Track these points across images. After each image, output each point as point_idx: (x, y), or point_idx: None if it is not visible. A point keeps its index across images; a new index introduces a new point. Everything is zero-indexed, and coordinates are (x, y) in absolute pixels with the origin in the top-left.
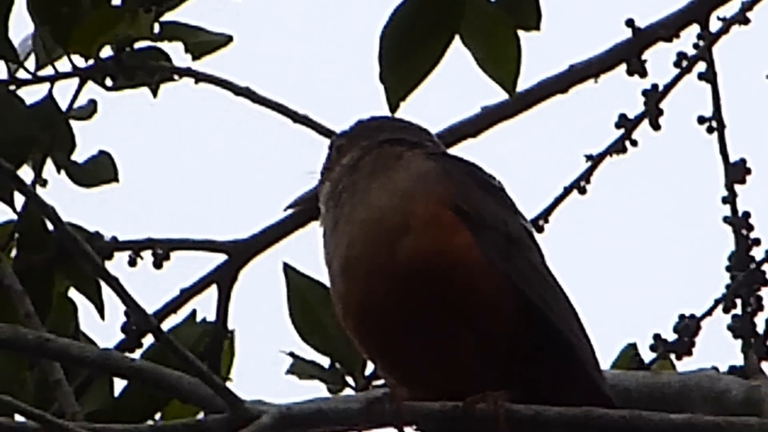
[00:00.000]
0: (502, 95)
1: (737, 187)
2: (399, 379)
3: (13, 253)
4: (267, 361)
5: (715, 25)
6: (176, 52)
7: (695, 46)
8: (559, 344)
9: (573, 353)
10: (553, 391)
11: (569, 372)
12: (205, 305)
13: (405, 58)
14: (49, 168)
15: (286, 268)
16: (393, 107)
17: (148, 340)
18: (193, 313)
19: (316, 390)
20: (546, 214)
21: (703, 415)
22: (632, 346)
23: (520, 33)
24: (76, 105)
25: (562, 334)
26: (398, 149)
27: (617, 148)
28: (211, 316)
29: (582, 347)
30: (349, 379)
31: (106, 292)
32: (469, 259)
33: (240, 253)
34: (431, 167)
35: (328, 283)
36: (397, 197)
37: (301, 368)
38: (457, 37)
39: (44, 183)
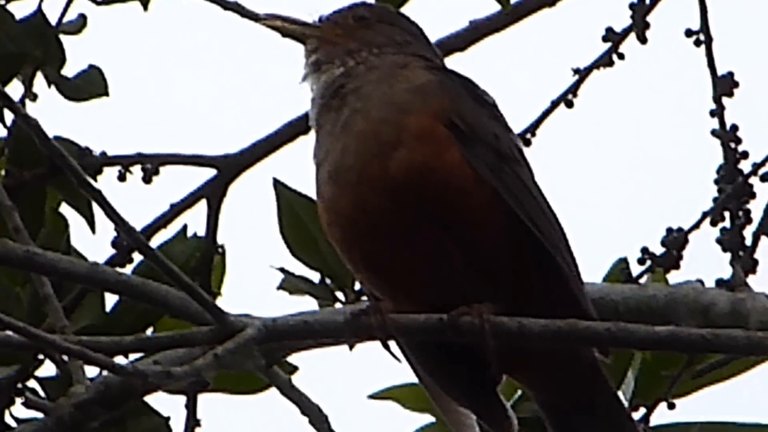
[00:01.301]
0: (491, 8)
1: (725, 100)
2: (382, 290)
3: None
4: (258, 276)
5: None
6: None
7: None
8: (544, 260)
9: (557, 270)
10: (536, 307)
11: (552, 288)
12: (195, 220)
13: None
14: (39, 82)
15: (276, 183)
16: None
17: (139, 255)
18: (184, 228)
19: (306, 305)
20: (533, 127)
21: (687, 327)
22: (623, 261)
23: None
24: (65, 19)
25: (547, 251)
26: (406, 58)
27: (604, 61)
28: (201, 231)
29: (566, 264)
30: (340, 295)
31: (98, 207)
32: (459, 174)
33: (229, 167)
34: (430, 80)
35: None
36: (393, 110)
37: (291, 283)
38: None
39: (35, 97)
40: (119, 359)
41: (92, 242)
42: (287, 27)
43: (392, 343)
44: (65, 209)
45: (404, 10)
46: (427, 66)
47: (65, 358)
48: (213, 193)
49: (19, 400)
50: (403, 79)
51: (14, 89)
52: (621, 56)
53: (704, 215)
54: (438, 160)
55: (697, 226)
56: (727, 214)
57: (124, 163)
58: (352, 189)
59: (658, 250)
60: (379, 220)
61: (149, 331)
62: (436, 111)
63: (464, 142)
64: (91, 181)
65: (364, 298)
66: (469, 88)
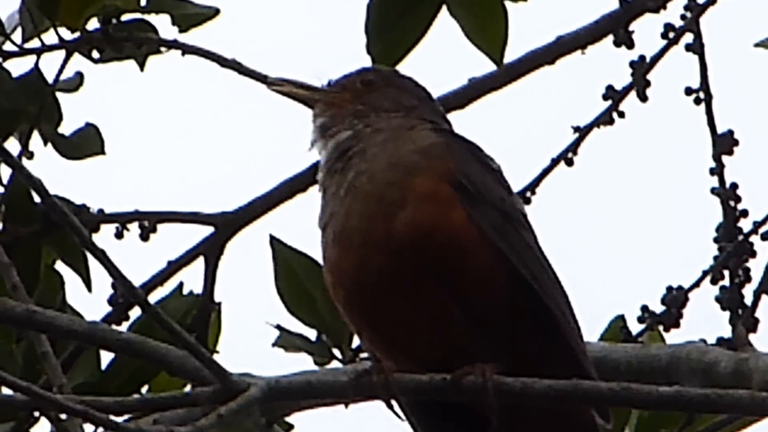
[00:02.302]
0: (489, 66)
1: (725, 159)
2: (385, 351)
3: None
4: (254, 333)
5: None
6: (163, 24)
7: (682, 17)
8: (547, 322)
9: (559, 331)
10: (537, 367)
11: (553, 348)
12: (192, 278)
13: (392, 29)
14: (35, 140)
15: (273, 240)
16: None
17: (135, 312)
18: (180, 285)
19: (302, 362)
20: (533, 185)
21: (692, 387)
22: (620, 318)
23: (508, 4)
24: (62, 77)
25: (550, 312)
26: (412, 121)
27: (604, 119)
28: (198, 289)
29: (568, 326)
30: (336, 352)
31: (93, 264)
32: (463, 235)
33: (227, 225)
34: (436, 142)
35: (316, 254)
36: (399, 171)
37: (287, 341)
38: (444, 8)
39: (31, 155)
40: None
41: (86, 300)
42: (295, 92)
43: (394, 402)
44: (60, 267)
45: (403, 67)
46: (433, 128)
47: (63, 416)
48: (210, 251)
49: None
50: (409, 140)
51: (11, 146)
52: (621, 114)
53: (704, 273)
54: (443, 220)
55: (697, 284)
56: (726, 272)
57: (122, 220)
58: (356, 250)
59: (658, 308)
60: (383, 280)
61: (144, 389)
62: (441, 171)
63: (469, 202)
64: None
65: (362, 355)
66: (475, 152)
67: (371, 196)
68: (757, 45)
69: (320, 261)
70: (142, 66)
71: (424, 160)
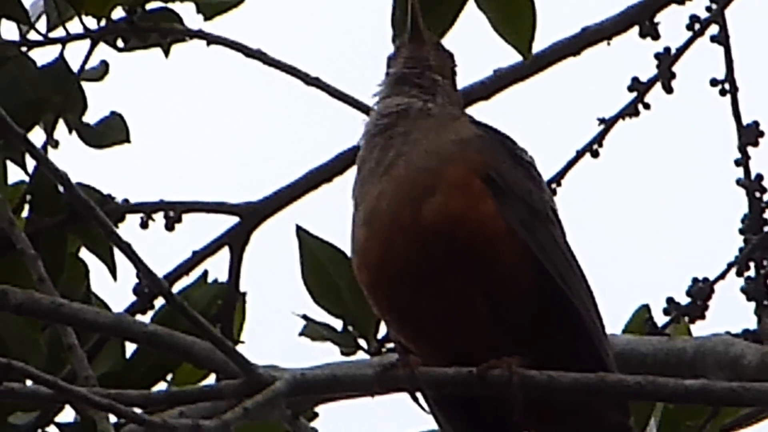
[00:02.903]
0: (514, 58)
1: (750, 150)
2: (407, 335)
3: (25, 213)
4: (279, 323)
5: None
6: (188, 12)
7: (708, 8)
8: (571, 318)
9: (583, 329)
10: (559, 362)
11: (576, 345)
12: (217, 268)
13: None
14: (61, 129)
15: (299, 230)
16: None
17: (160, 301)
18: (205, 273)
19: (328, 352)
20: (559, 177)
21: (718, 380)
22: (645, 308)
23: None
24: (87, 66)
25: (574, 309)
26: (458, 111)
27: (630, 111)
28: (223, 278)
29: (593, 324)
30: (362, 342)
31: (118, 253)
32: (491, 227)
33: (252, 215)
34: (474, 135)
35: (342, 243)
36: (435, 159)
37: (313, 330)
38: (471, 0)
39: (56, 144)
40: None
41: (111, 287)
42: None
43: (420, 395)
44: (84, 254)
45: None
46: (471, 120)
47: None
48: (235, 241)
49: None
50: (452, 131)
51: (36, 136)
52: (647, 106)
53: (729, 265)
54: (471, 210)
55: (722, 276)
56: (752, 264)
57: (147, 210)
58: (383, 233)
59: (684, 300)
60: (408, 265)
61: (168, 377)
62: (475, 164)
63: (499, 196)
64: (117, 230)
65: (388, 345)
66: (508, 145)
67: (405, 180)
68: None
69: (347, 251)
70: (167, 53)
71: (460, 152)
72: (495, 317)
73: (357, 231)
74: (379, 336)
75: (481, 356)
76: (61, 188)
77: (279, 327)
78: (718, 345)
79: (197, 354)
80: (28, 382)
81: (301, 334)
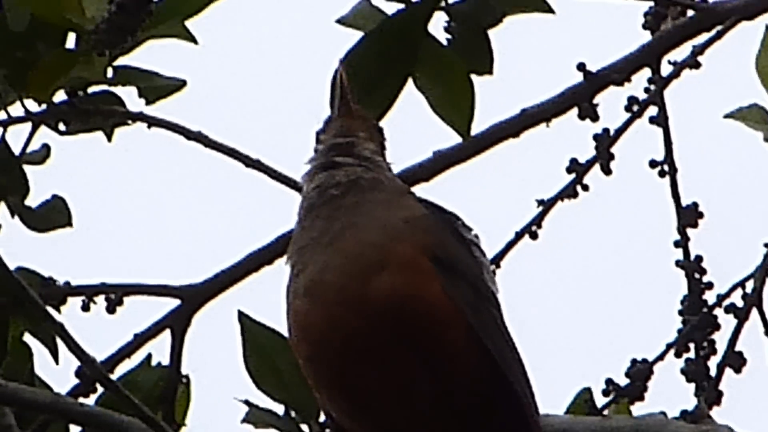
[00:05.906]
0: (453, 139)
1: (689, 231)
2: (346, 413)
3: None
4: (222, 407)
5: (666, 69)
6: (130, 96)
7: (646, 90)
8: (510, 401)
9: (521, 409)
10: None
11: (513, 427)
12: (158, 350)
13: (358, 102)
14: (2, 212)
15: (241, 315)
16: None
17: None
18: (149, 357)
19: None
20: (498, 259)
21: None
22: (587, 390)
23: (473, 77)
24: (29, 149)
25: (514, 392)
26: (403, 186)
27: (569, 192)
28: (166, 361)
29: (529, 405)
30: (305, 428)
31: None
32: (439, 306)
33: (193, 297)
34: (422, 213)
35: (283, 327)
36: (384, 235)
37: (256, 416)
38: (410, 80)
39: None
40: None
41: (56, 370)
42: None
43: None
44: (28, 338)
45: None
46: (417, 198)
47: None
48: (177, 323)
49: None
50: (401, 207)
51: None
52: (585, 187)
53: (669, 346)
54: (420, 290)
55: (661, 357)
56: (692, 345)
57: (88, 293)
58: (328, 307)
59: (623, 381)
60: (353, 340)
61: None
62: (423, 243)
63: (446, 276)
64: (54, 312)
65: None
66: (454, 224)
67: (351, 253)
68: (726, 116)
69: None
70: (109, 137)
71: (409, 229)
72: (437, 395)
73: (295, 302)
74: (321, 420)
75: None
76: None
77: (222, 412)
78: (654, 425)
79: None
80: None
81: (244, 420)
